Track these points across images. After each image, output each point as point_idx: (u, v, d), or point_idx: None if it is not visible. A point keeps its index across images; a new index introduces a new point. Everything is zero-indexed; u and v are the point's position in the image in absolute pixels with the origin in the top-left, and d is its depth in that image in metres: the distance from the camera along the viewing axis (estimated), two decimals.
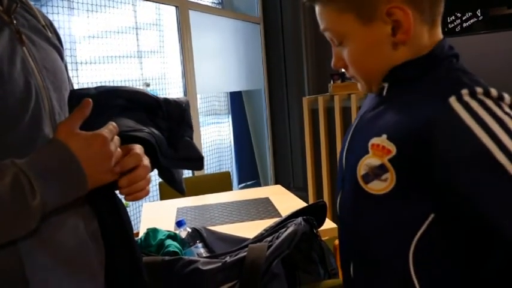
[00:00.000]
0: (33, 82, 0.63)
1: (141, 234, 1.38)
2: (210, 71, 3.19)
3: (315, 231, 1.24)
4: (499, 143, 0.51)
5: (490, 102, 0.54)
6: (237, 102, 3.86)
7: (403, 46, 0.64)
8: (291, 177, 3.76)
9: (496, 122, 0.52)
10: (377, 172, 0.61)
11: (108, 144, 0.63)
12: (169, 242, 1.27)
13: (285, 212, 1.73)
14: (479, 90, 0.55)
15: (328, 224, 1.61)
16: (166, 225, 1.66)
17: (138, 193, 0.70)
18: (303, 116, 3.14)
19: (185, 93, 2.93)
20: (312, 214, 1.28)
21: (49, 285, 0.61)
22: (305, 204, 1.44)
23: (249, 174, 3.97)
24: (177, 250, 1.24)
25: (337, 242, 1.83)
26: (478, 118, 0.53)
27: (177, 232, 1.37)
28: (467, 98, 0.54)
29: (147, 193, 0.72)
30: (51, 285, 0.62)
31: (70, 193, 0.61)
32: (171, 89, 2.93)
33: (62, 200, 0.60)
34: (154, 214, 2.02)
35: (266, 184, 3.83)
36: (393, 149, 0.59)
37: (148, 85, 2.86)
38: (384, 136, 0.60)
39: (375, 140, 0.62)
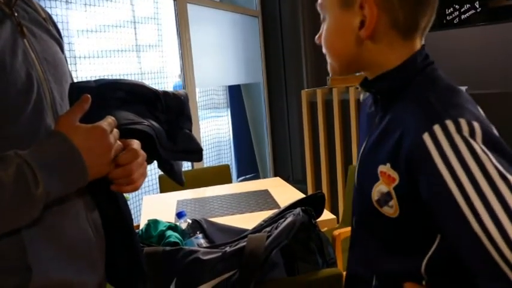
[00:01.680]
0: (34, 74, 0.65)
1: (141, 226, 1.39)
2: (209, 64, 3.19)
3: (313, 221, 1.26)
4: (462, 188, 0.54)
5: (459, 142, 0.55)
6: (235, 95, 3.86)
7: (371, 45, 0.67)
8: (290, 170, 3.78)
9: (461, 167, 0.54)
10: (386, 199, 0.64)
11: (108, 136, 0.65)
12: (170, 232, 1.29)
13: (284, 203, 1.75)
14: (450, 125, 0.56)
15: (327, 215, 1.63)
16: (167, 217, 1.67)
17: (124, 187, 0.71)
18: (301, 109, 3.14)
19: (184, 87, 2.93)
20: (311, 205, 1.30)
21: (51, 273, 0.63)
22: (304, 196, 1.45)
23: (248, 168, 3.99)
24: (177, 241, 1.26)
25: (335, 232, 1.85)
26: (446, 161, 0.55)
27: (177, 223, 1.39)
28: (439, 135, 0.56)
29: (135, 188, 0.72)
30: (53, 273, 0.63)
31: (72, 183, 0.62)
32: (169, 83, 2.93)
33: (64, 190, 0.62)
34: (154, 206, 2.03)
35: (265, 177, 3.84)
36: (397, 177, 0.62)
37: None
38: (388, 165, 0.63)
39: (382, 168, 0.64)
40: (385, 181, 0.63)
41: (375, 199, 0.66)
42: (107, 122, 0.66)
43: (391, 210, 0.64)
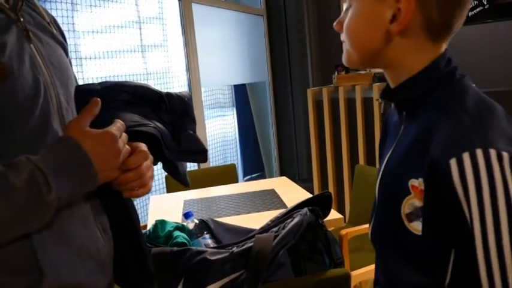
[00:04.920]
0: (41, 79, 0.65)
1: (149, 227, 1.40)
2: (214, 64, 3.19)
3: (320, 221, 1.25)
4: (483, 224, 0.53)
5: (483, 175, 0.54)
6: (241, 94, 3.86)
7: (398, 42, 0.64)
8: (296, 169, 3.77)
9: (477, 203, 0.54)
10: (419, 213, 0.62)
11: (117, 141, 0.65)
12: (177, 233, 1.29)
13: (290, 203, 1.75)
14: (479, 155, 0.54)
15: (334, 215, 1.62)
16: (174, 217, 1.68)
17: (135, 192, 0.71)
18: (307, 108, 3.13)
19: (189, 87, 2.93)
20: (318, 205, 1.29)
21: (62, 274, 0.63)
22: (310, 195, 1.45)
23: (254, 167, 3.98)
24: (185, 241, 1.26)
25: (342, 232, 1.85)
26: (466, 194, 0.54)
27: (184, 224, 1.39)
28: (466, 165, 0.55)
29: (147, 191, 0.73)
30: (64, 274, 0.64)
31: (82, 188, 0.63)
32: (175, 82, 2.94)
33: (75, 195, 0.63)
34: (161, 207, 2.04)
35: (271, 176, 3.84)
36: None
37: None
38: (421, 180, 0.61)
39: (413, 182, 0.62)
40: (418, 196, 0.61)
41: (405, 212, 0.64)
42: (116, 126, 0.66)
43: (421, 226, 0.62)
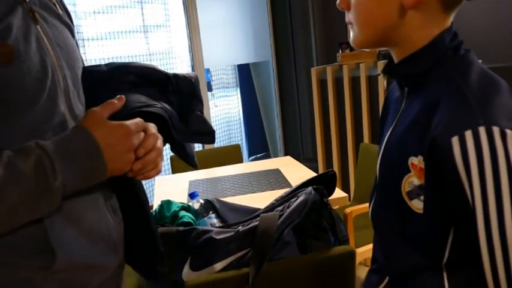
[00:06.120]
0: (48, 61, 0.64)
1: (155, 207, 1.42)
2: (217, 44, 3.16)
3: (325, 200, 1.26)
4: (485, 202, 0.53)
5: (486, 151, 0.53)
6: (245, 74, 3.84)
7: (411, 16, 0.62)
8: (300, 148, 3.78)
9: (479, 180, 0.53)
10: (418, 192, 0.62)
11: (132, 136, 0.64)
12: (183, 213, 1.31)
13: (295, 182, 1.76)
14: (482, 133, 0.53)
15: (338, 193, 1.63)
16: (179, 197, 1.69)
17: (148, 173, 0.71)
18: (311, 87, 3.12)
19: (193, 68, 2.92)
20: (322, 184, 1.30)
21: (73, 255, 0.65)
22: (315, 174, 1.46)
23: (259, 147, 4.00)
24: (191, 221, 1.28)
25: (347, 210, 1.86)
26: (468, 174, 0.54)
27: (190, 204, 1.41)
28: (469, 143, 0.53)
29: (158, 172, 0.73)
30: (76, 255, 0.65)
31: (89, 178, 0.63)
32: (178, 63, 2.92)
33: (82, 184, 0.62)
34: (167, 187, 2.06)
35: (276, 156, 3.85)
36: None
37: None
38: (420, 157, 0.60)
39: (413, 160, 0.62)
40: (417, 174, 0.61)
41: (405, 190, 0.64)
42: (135, 122, 0.66)
43: (420, 204, 0.62)
